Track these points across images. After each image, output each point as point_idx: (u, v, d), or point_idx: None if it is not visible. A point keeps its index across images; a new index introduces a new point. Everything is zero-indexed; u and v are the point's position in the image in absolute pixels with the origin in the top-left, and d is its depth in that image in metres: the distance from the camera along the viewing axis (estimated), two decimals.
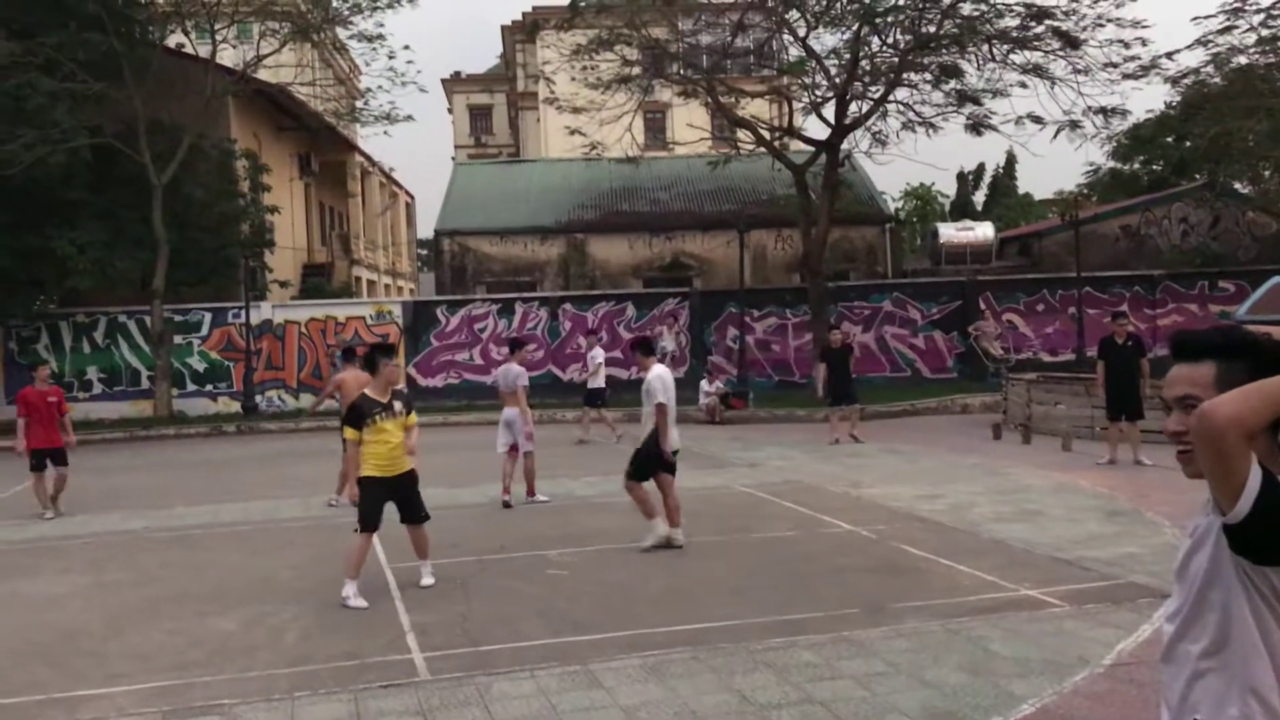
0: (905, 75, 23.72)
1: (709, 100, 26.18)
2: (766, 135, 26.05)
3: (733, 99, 26.36)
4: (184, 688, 6.36)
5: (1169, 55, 24.02)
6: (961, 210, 54.46)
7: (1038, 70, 23.13)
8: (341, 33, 30.20)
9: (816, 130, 26.60)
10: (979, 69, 23.66)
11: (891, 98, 24.34)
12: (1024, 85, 23.41)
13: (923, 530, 10.09)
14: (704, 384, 22.71)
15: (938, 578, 8.38)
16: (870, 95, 24.51)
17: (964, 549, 9.26)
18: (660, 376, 9.64)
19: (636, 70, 25.44)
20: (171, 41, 27.33)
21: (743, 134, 26.71)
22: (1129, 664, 6.16)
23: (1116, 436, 14.14)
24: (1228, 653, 2.14)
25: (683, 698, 5.82)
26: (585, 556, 9.52)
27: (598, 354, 19.65)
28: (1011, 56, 23.27)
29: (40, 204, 23.39)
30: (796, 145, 27.19)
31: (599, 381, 19.35)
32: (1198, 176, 32.33)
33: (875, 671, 6.15)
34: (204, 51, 26.94)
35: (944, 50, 23.41)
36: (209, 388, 25.75)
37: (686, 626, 7.17)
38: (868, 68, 24.11)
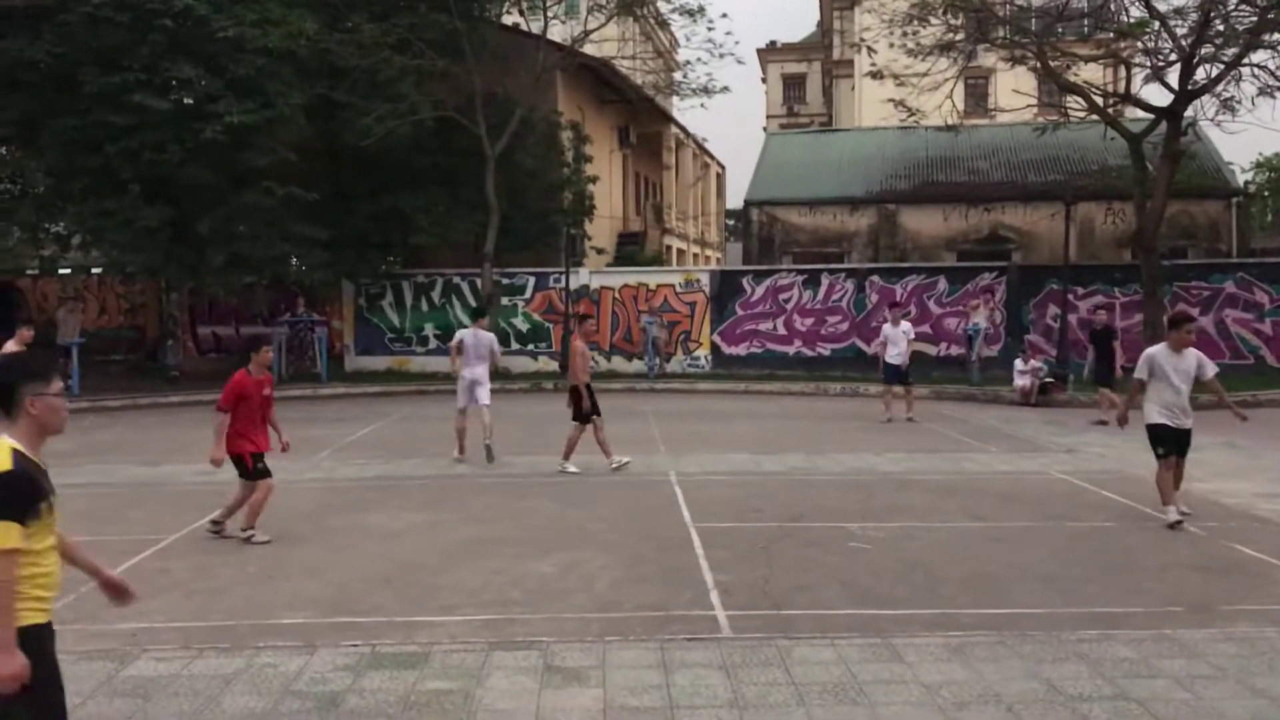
0: (1264, 35, 21.49)
1: (1037, 65, 24.82)
2: (1099, 102, 24.42)
3: (1063, 64, 24.87)
4: (506, 623, 6.88)
5: None
6: None
7: None
8: (663, 5, 30.94)
9: (1156, 96, 24.67)
10: None
11: (1246, 60, 22.15)
12: None
13: (1260, 531, 9.29)
14: (1018, 363, 21.74)
15: (1275, 582, 7.71)
16: (1221, 58, 22.41)
17: None
18: None
19: (960, 36, 24.50)
20: (506, 19, 29.02)
21: (1073, 100, 25.16)
22: None
23: None
24: None
25: (987, 681, 5.70)
26: (888, 532, 9.43)
27: (904, 329, 18.40)
28: None
29: (389, 172, 25.68)
30: (1132, 112, 25.34)
31: (900, 358, 18.08)
32: None
33: (1199, 674, 5.77)
34: (535, 27, 28.40)
35: None
36: (530, 347, 27.33)
37: (993, 611, 7.00)
38: (1220, 28, 22.03)
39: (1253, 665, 5.91)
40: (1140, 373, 9.77)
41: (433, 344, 27.37)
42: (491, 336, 14.38)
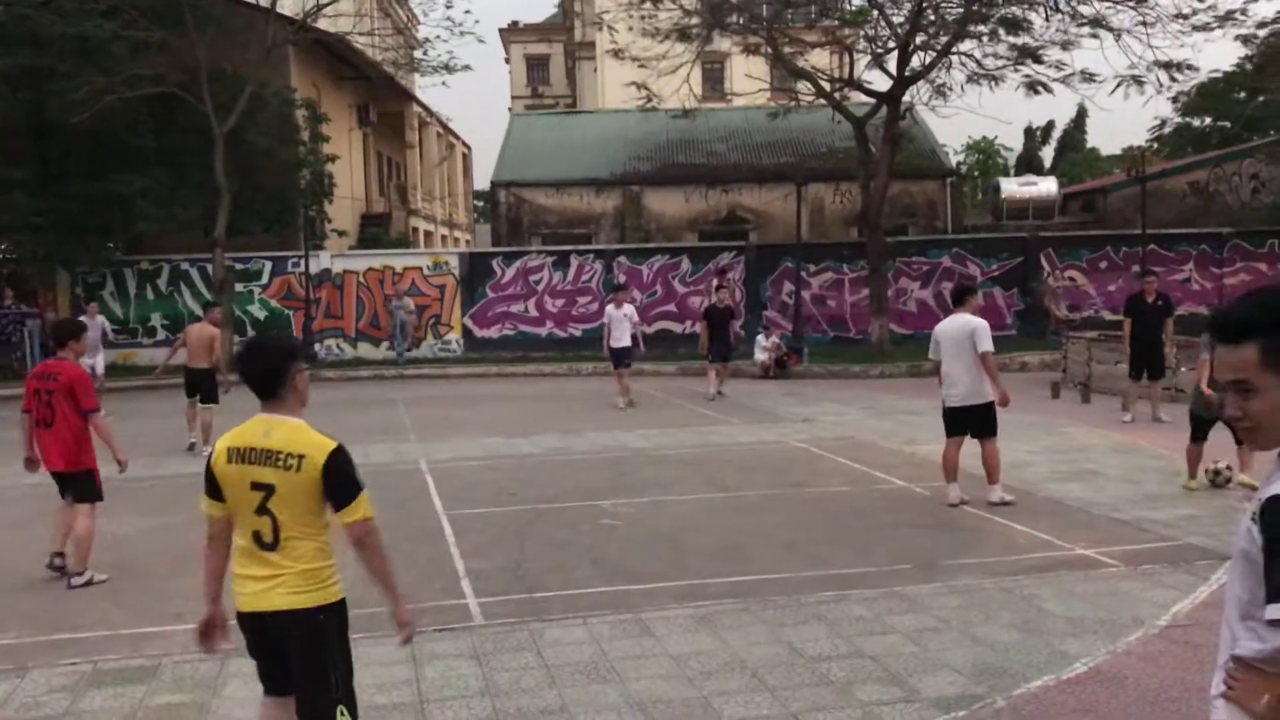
0: (970, 26, 23.22)
1: (769, 51, 25.83)
2: (826, 87, 25.69)
3: (794, 50, 25.99)
4: None
5: (1244, 9, 23.23)
6: (1028, 165, 53.42)
7: (1103, 22, 22.53)
8: None
9: (878, 82, 26.21)
10: (1046, 20, 23.13)
11: (955, 49, 23.87)
12: (1094, 36, 22.84)
13: (978, 488, 10.01)
14: (760, 338, 22.62)
15: (992, 536, 8.34)
16: (934, 46, 24.05)
17: (1019, 508, 9.19)
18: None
19: (695, 20, 25.15)
20: None
21: (802, 85, 26.35)
22: (1184, 625, 6.11)
23: (1136, 394, 14.64)
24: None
25: (733, 648, 5.87)
26: (639, 508, 9.58)
27: (626, 311, 17.55)
28: (1079, 8, 22.69)
29: (107, 151, 23.78)
30: (857, 97, 26.81)
31: (621, 341, 17.25)
32: (1272, 133, 31.42)
33: (926, 627, 6.16)
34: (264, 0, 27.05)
35: (1010, 1, 22.88)
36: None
37: (738, 578, 7.22)
38: (932, 18, 23.62)
39: (973, 615, 6.35)
40: (990, 344, 9.22)
41: (161, 335, 25.73)
42: (102, 320, 19.76)
